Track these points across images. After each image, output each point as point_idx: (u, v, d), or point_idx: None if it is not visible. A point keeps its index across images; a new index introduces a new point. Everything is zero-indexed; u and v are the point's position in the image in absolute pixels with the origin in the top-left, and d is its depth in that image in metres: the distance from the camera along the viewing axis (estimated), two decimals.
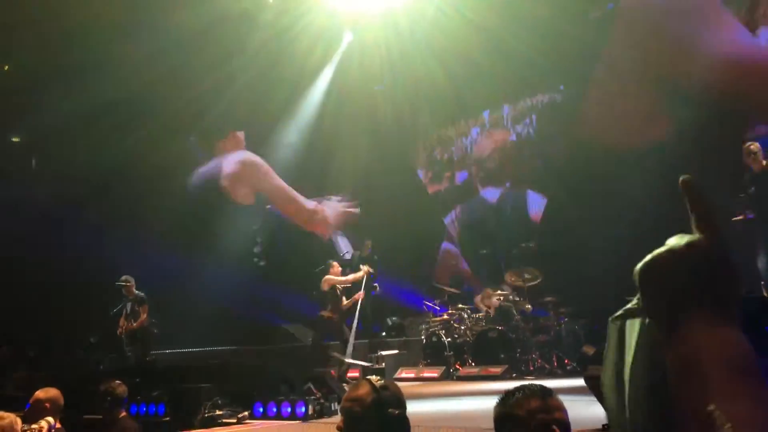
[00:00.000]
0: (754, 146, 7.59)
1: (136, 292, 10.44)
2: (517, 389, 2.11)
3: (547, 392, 2.07)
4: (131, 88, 12.16)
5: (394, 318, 11.84)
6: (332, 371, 8.47)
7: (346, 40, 13.94)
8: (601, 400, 3.06)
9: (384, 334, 11.82)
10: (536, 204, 12.77)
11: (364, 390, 2.39)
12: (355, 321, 9.73)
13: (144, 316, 10.25)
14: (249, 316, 13.27)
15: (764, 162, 7.54)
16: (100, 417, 5.05)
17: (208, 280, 13.38)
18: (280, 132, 14.81)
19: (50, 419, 4.46)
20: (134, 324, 10.22)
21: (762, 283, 7.81)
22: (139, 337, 10.25)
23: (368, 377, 2.52)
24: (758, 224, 7.43)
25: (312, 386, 6.56)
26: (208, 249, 13.72)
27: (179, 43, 11.96)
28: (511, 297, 10.35)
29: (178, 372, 7.86)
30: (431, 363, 10.36)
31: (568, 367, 9.31)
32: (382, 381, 2.45)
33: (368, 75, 13.95)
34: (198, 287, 13.43)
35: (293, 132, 14.67)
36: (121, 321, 10.36)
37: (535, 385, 2.12)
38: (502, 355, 9.66)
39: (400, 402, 2.35)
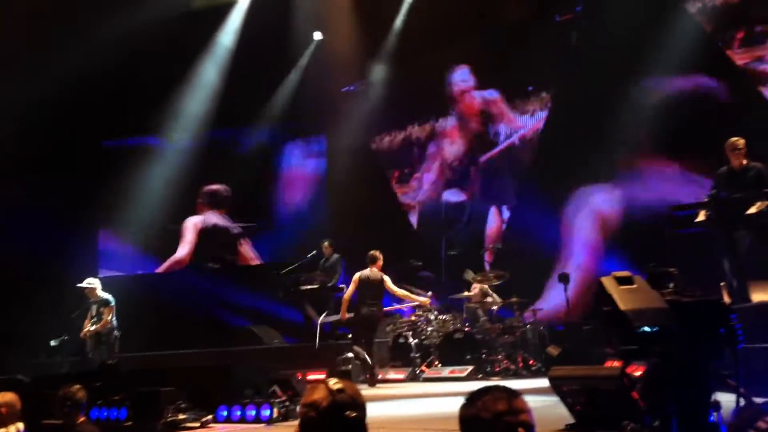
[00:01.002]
0: (741, 142, 7.39)
1: (100, 294, 10.33)
2: (482, 391, 2.11)
3: (513, 394, 2.08)
4: None
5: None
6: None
7: None
8: (564, 398, 3.11)
9: (350, 336, 11.75)
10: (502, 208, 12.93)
11: (320, 394, 2.36)
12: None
13: (107, 318, 10.14)
14: (213, 317, 13.20)
15: (745, 161, 7.40)
16: (60, 422, 4.95)
17: (172, 282, 13.22)
18: None
19: (20, 425, 4.37)
20: (98, 326, 10.11)
21: (722, 284, 7.93)
22: (103, 341, 10.13)
23: (325, 380, 2.48)
24: (724, 225, 7.28)
25: (277, 389, 6.51)
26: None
27: None
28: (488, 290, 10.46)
29: (141, 375, 7.72)
30: (398, 365, 10.36)
31: (533, 368, 9.39)
32: (339, 384, 2.42)
33: None
34: (161, 289, 13.30)
35: None
36: (85, 323, 10.26)
37: (501, 387, 2.13)
38: (468, 357, 9.70)
39: (357, 405, 2.32)
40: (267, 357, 10.80)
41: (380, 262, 9.81)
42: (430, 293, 10.45)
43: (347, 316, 9.87)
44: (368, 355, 9.37)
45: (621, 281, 3.10)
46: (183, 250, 15.04)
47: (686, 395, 2.85)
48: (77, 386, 5.12)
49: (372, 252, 9.90)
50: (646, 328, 2.86)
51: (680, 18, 10.99)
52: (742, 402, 2.94)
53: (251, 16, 14.48)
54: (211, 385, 7.02)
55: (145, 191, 14.51)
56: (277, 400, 6.42)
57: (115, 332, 10.27)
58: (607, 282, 3.13)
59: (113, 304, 10.31)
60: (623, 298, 3.01)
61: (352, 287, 9.79)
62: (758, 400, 3.43)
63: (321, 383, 2.46)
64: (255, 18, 14.33)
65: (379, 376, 9.84)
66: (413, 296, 10.22)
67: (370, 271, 9.72)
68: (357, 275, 9.78)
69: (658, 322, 2.86)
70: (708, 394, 2.92)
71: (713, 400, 2.98)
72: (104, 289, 10.52)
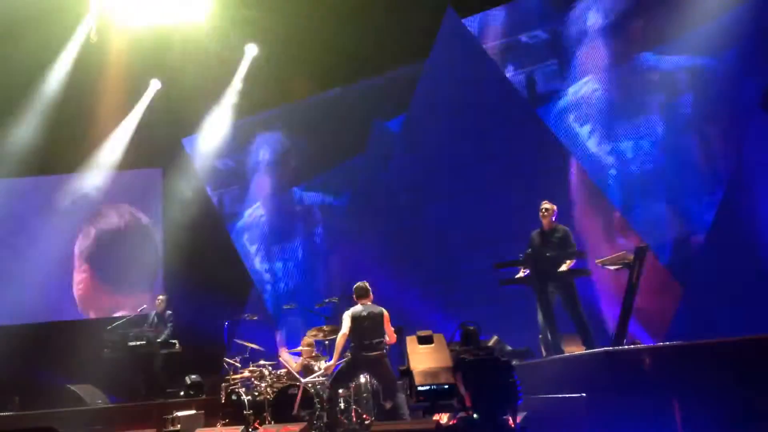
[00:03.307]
0: (548, 204, 8.25)
1: None
2: None
3: None
4: None
5: (193, 376, 11.39)
6: None
7: None
8: None
9: (182, 393, 11.32)
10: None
11: None
12: None
13: None
14: (31, 377, 12.33)
15: (554, 223, 8.22)
16: None
17: None
18: None
19: None
20: None
21: (540, 336, 8.48)
22: None
23: None
24: (539, 281, 7.88)
25: None
26: None
27: None
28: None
29: None
30: (230, 422, 10.03)
31: (367, 422, 9.43)
32: None
33: None
34: None
35: None
36: None
37: None
38: (303, 413, 9.61)
39: None
40: (90, 418, 10.17)
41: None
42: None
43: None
44: None
45: (421, 340, 3.25)
46: None
47: None
48: None
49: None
50: (431, 387, 3.01)
51: None
52: None
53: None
54: None
55: None
56: None
57: None
58: (409, 342, 3.28)
59: None
60: (416, 357, 3.17)
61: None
62: None
63: None
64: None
65: None
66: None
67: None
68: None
69: (441, 381, 3.03)
70: None
71: None
72: None
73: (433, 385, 3.03)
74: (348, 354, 8.11)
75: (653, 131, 10.19)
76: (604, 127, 10.69)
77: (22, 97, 13.74)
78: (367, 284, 8.32)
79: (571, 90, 10.99)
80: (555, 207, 8.30)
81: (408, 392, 3.29)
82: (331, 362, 8.47)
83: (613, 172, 10.52)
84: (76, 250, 14.82)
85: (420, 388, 3.05)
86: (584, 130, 10.79)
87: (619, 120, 10.52)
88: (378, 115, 13.03)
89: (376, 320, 7.87)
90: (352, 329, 7.80)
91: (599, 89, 10.73)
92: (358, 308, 8.01)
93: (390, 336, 8.16)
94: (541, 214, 8.24)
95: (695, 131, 9.84)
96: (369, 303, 8.10)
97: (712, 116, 9.60)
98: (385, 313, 8.07)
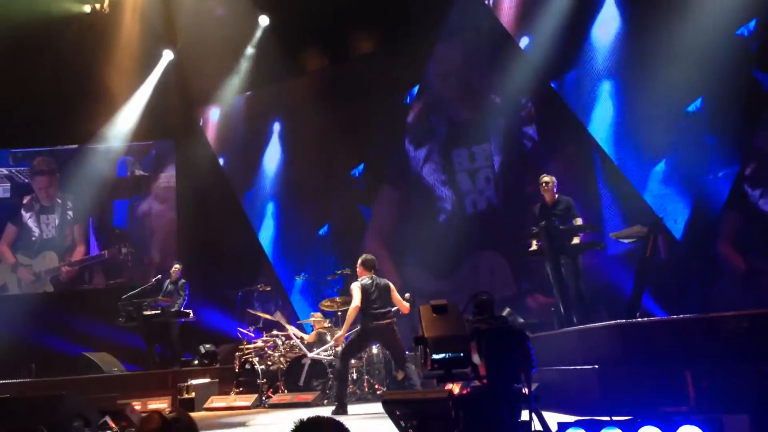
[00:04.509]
0: (548, 178, 8.26)
1: None
2: (310, 422, 2.15)
3: (340, 428, 2.13)
4: None
5: (207, 345, 11.53)
6: None
7: None
8: (398, 423, 3.20)
9: (196, 362, 11.47)
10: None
11: (153, 424, 2.33)
12: None
13: None
14: (48, 344, 12.52)
15: (556, 195, 8.24)
16: None
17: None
18: None
19: None
20: None
21: (552, 309, 8.50)
22: None
23: (158, 410, 2.45)
24: (552, 254, 7.89)
25: (109, 420, 6.21)
26: None
27: None
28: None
29: None
30: (244, 391, 10.19)
31: (379, 392, 9.52)
32: (174, 413, 2.40)
33: None
34: None
35: None
36: None
37: (327, 419, 2.17)
38: (315, 382, 9.73)
39: None
40: (105, 385, 10.31)
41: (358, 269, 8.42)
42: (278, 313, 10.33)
43: None
44: None
45: (436, 309, 3.27)
46: None
47: (494, 416, 3.04)
48: None
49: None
50: (445, 355, 3.04)
51: None
52: (537, 423, 3.18)
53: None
54: (36, 416, 6.57)
55: None
56: (108, 431, 6.13)
57: None
58: (423, 310, 3.30)
59: None
60: (430, 326, 3.18)
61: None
62: (565, 417, 3.71)
63: (154, 413, 2.42)
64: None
65: (213, 404, 9.75)
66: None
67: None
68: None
69: (455, 349, 3.05)
70: (515, 414, 3.13)
71: (521, 421, 3.19)
72: None
73: (448, 353, 3.05)
74: (358, 325, 8.18)
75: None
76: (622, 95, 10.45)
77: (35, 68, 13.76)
78: (373, 257, 8.36)
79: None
80: (554, 179, 8.28)
81: (422, 361, 3.31)
82: (341, 333, 8.54)
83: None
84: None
85: (435, 356, 3.07)
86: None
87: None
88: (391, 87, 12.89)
89: (383, 291, 8.00)
90: (362, 300, 7.86)
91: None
92: (366, 280, 8.08)
93: (402, 307, 8.22)
94: (542, 188, 8.23)
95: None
96: (374, 275, 8.15)
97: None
98: (391, 284, 8.15)
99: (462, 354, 3.04)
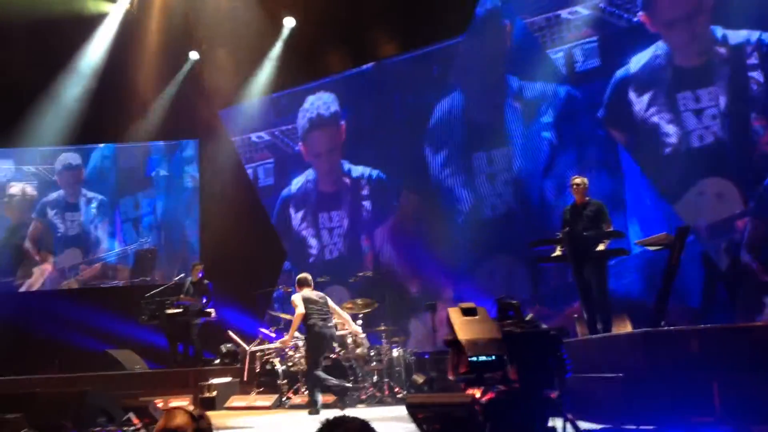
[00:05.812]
0: (579, 179, 8.04)
1: None
2: (336, 422, 2.14)
3: (366, 427, 2.12)
4: None
5: (228, 345, 11.58)
6: None
7: None
8: (420, 426, 3.19)
9: (217, 361, 11.52)
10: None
11: (182, 419, 2.34)
12: None
13: None
14: (72, 341, 12.66)
15: (587, 198, 8.03)
16: None
17: (27, 303, 12.52)
18: None
19: None
20: None
21: (575, 316, 8.43)
22: None
23: (182, 407, 2.46)
24: (576, 260, 7.72)
25: (133, 416, 6.26)
26: None
27: None
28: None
29: None
30: (264, 392, 10.22)
31: (399, 396, 9.51)
32: (197, 410, 2.41)
33: None
34: (14, 310, 12.56)
35: None
36: None
37: (352, 419, 2.17)
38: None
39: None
40: (128, 383, 10.39)
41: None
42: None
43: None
44: None
45: (465, 312, 3.25)
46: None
47: (522, 421, 3.02)
48: None
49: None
50: (479, 358, 3.01)
51: None
52: (570, 428, 3.14)
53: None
54: (61, 412, 6.64)
55: None
56: (132, 427, 6.18)
57: None
58: (453, 312, 3.28)
59: None
60: (463, 328, 3.16)
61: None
62: (590, 426, 3.68)
63: (180, 409, 2.43)
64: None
65: (234, 404, 9.83)
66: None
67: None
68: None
69: (492, 352, 3.02)
70: (543, 420, 3.10)
71: (549, 426, 3.16)
72: None
73: (485, 356, 3.03)
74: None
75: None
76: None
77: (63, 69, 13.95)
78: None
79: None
80: (586, 180, 8.11)
81: (454, 363, 3.28)
82: (287, 337, 9.51)
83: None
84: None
85: (471, 359, 3.05)
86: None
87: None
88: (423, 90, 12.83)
89: (324, 302, 9.15)
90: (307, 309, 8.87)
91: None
92: (310, 293, 9.11)
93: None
94: (572, 189, 8.07)
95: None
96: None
97: None
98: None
99: (495, 357, 3.01)
